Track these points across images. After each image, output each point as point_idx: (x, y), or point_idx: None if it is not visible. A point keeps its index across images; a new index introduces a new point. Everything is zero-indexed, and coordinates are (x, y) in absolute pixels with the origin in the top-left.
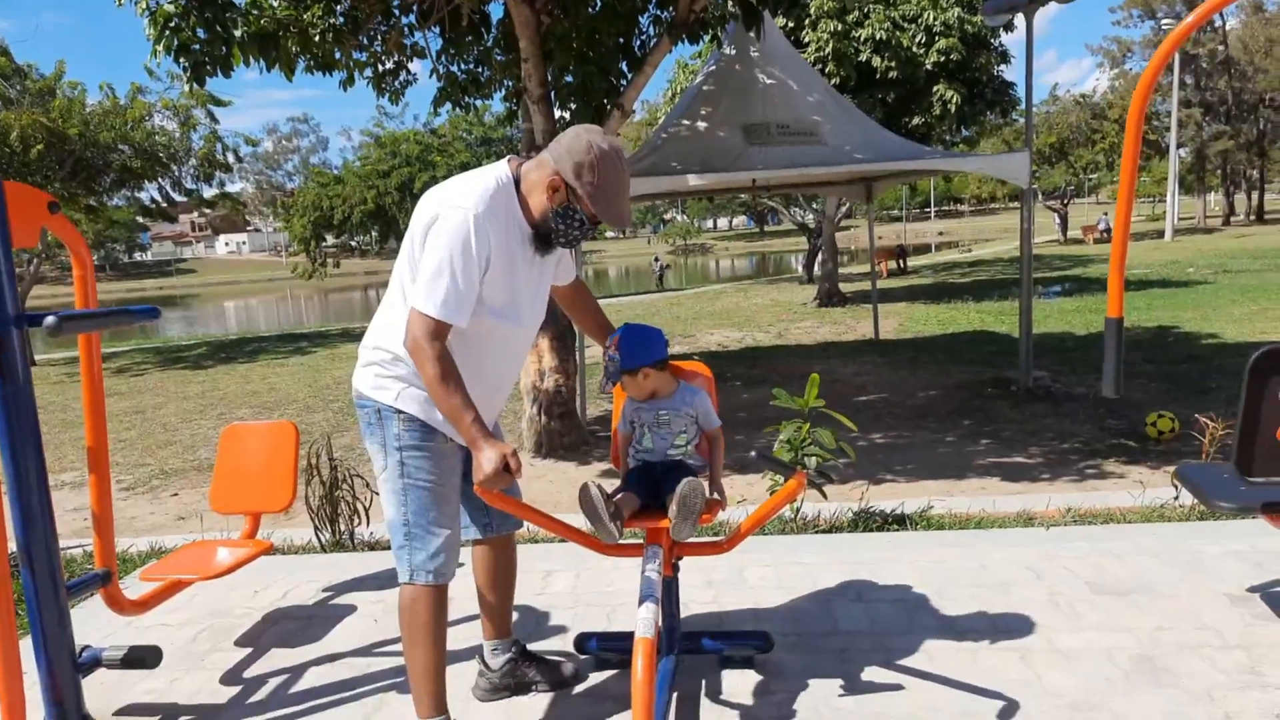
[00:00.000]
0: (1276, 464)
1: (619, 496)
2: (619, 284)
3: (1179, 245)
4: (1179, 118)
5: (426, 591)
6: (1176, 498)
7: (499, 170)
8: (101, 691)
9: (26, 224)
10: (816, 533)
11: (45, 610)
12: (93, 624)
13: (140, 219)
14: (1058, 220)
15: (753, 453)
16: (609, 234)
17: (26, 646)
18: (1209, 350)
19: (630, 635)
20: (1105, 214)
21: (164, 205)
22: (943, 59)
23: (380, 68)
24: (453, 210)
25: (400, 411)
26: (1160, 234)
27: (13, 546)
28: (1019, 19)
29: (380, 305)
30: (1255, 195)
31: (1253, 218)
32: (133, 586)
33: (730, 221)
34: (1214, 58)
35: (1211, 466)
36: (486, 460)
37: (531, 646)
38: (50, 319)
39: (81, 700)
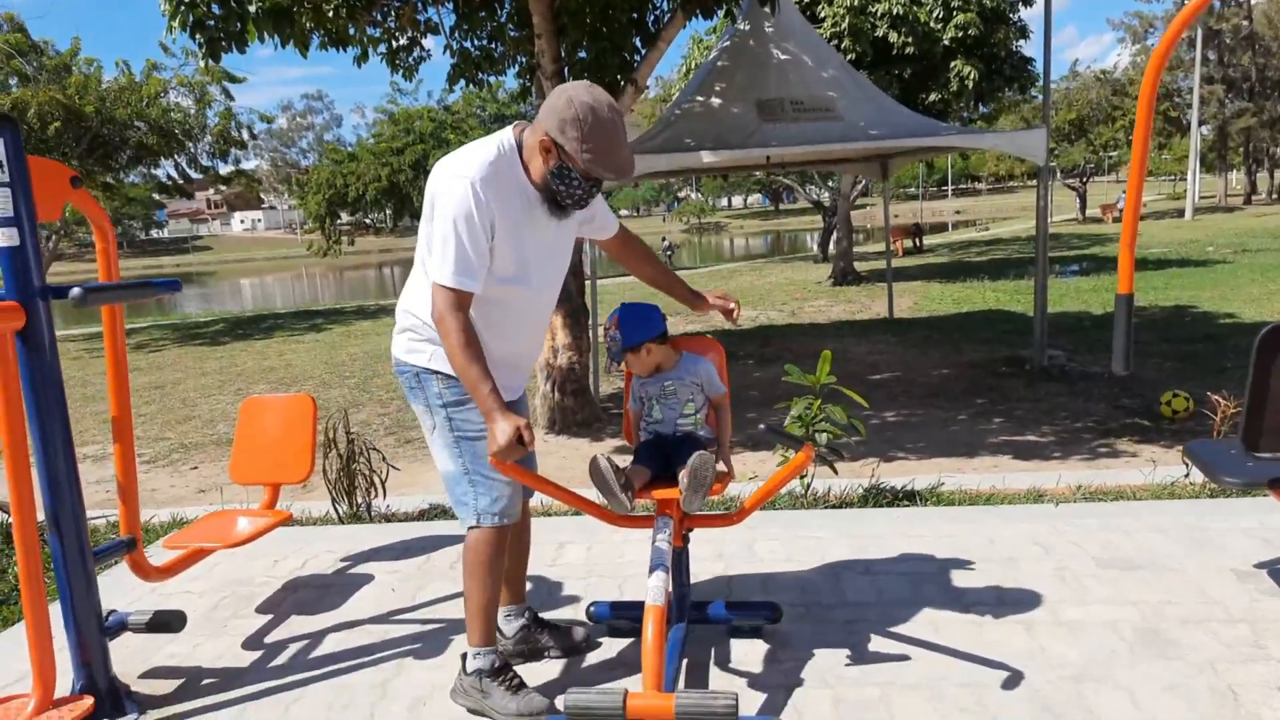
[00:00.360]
0: None
1: (629, 468)
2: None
3: (1199, 224)
4: (1201, 94)
5: (491, 532)
6: (1187, 475)
7: (503, 137)
8: (127, 655)
9: (50, 199)
10: (827, 508)
11: (73, 575)
12: (117, 591)
13: (156, 196)
14: (1078, 199)
15: (762, 426)
16: (623, 211)
17: (55, 612)
18: (1226, 330)
19: (641, 604)
20: (1124, 193)
21: (180, 182)
22: (960, 34)
23: (394, 44)
24: (455, 180)
25: (436, 372)
26: (1180, 213)
27: (40, 515)
28: None
29: (411, 273)
30: (1278, 174)
31: (1275, 196)
32: (156, 555)
33: (745, 199)
34: (1238, 33)
35: (1220, 443)
36: (500, 432)
37: (544, 615)
38: (76, 290)
39: (109, 663)
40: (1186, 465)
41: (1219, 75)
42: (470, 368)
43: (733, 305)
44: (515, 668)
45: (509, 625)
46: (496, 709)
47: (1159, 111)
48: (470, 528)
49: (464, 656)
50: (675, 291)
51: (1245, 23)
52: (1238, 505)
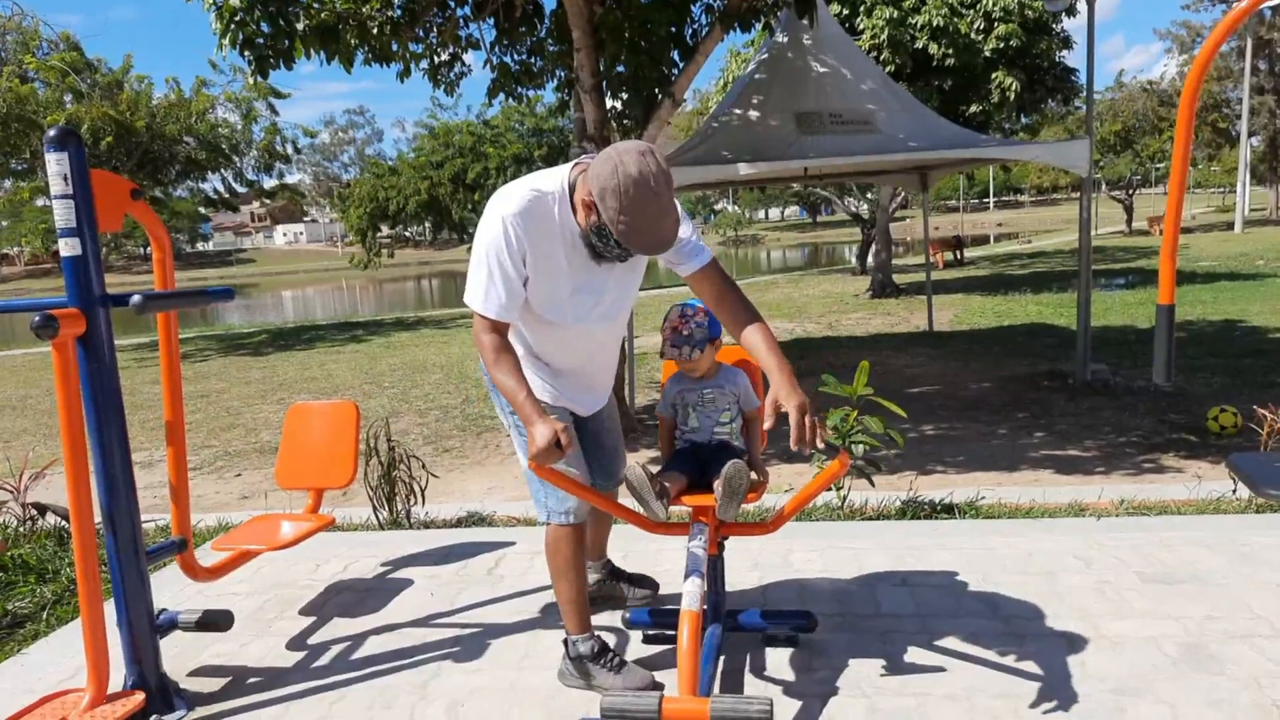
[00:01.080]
0: None
1: (664, 475)
2: (667, 275)
3: (1249, 237)
4: (1251, 104)
5: (565, 531)
6: (1235, 490)
7: (557, 175)
8: (177, 653)
9: (111, 210)
10: (864, 520)
11: (127, 574)
12: (165, 591)
13: (203, 209)
14: (1124, 211)
15: None
16: None
17: (109, 611)
18: (1276, 344)
19: (677, 610)
20: None
21: (226, 196)
22: (1002, 45)
23: (436, 59)
24: (491, 214)
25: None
26: (1230, 225)
27: (97, 516)
28: (1081, 3)
29: None
30: None
31: None
32: (204, 556)
33: (782, 212)
34: None
35: (1265, 455)
36: (539, 435)
37: None
38: (135, 298)
39: (159, 660)
40: (1233, 480)
41: (1270, 85)
42: (505, 379)
43: (807, 433)
44: (553, 669)
45: (590, 575)
46: (603, 686)
47: (1207, 122)
48: (544, 524)
49: (565, 643)
50: (768, 366)
51: None
52: None
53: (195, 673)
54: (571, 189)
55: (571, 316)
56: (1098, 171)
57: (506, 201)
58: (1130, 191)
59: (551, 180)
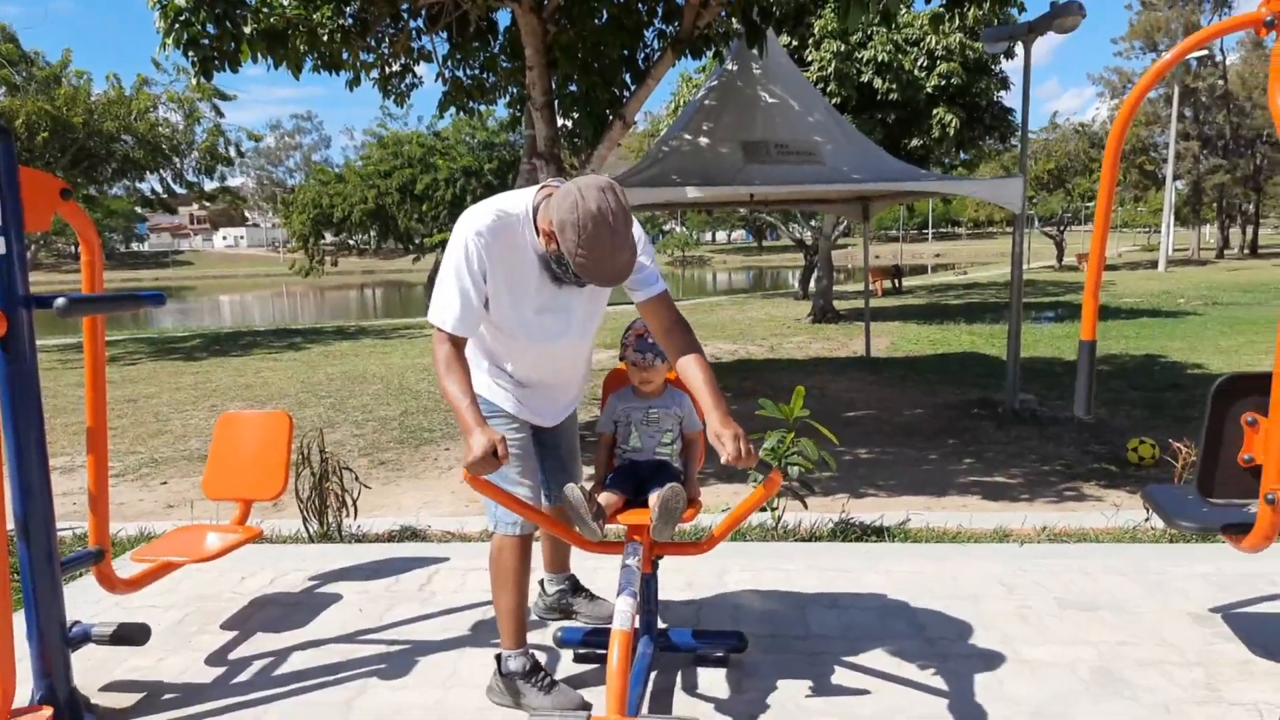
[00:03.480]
0: (1237, 487)
1: (602, 494)
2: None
3: (1172, 276)
4: (1177, 150)
5: (510, 541)
6: (1148, 520)
7: (522, 198)
8: (89, 667)
9: (39, 209)
10: (797, 541)
11: (40, 584)
12: (81, 603)
13: (139, 210)
14: (1056, 247)
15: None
16: None
17: (18, 621)
18: (1193, 380)
19: (609, 629)
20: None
21: (164, 197)
22: (943, 83)
23: (387, 69)
24: (458, 232)
25: (478, 394)
26: (1154, 264)
27: (10, 523)
28: (1019, 46)
29: None
30: (1249, 230)
31: (1246, 252)
32: (123, 567)
33: (729, 235)
34: (1213, 92)
35: (1177, 488)
36: (476, 444)
37: None
38: (60, 300)
39: (70, 674)
40: (1148, 510)
41: (1194, 132)
42: (452, 388)
43: (743, 462)
44: (481, 688)
45: (551, 585)
46: (532, 706)
47: (1135, 165)
48: (490, 533)
49: (498, 658)
50: (705, 402)
51: (1220, 82)
52: (1196, 551)
53: (108, 688)
54: (535, 211)
55: (538, 335)
56: (1031, 208)
57: (473, 220)
58: (1061, 228)
59: (518, 202)
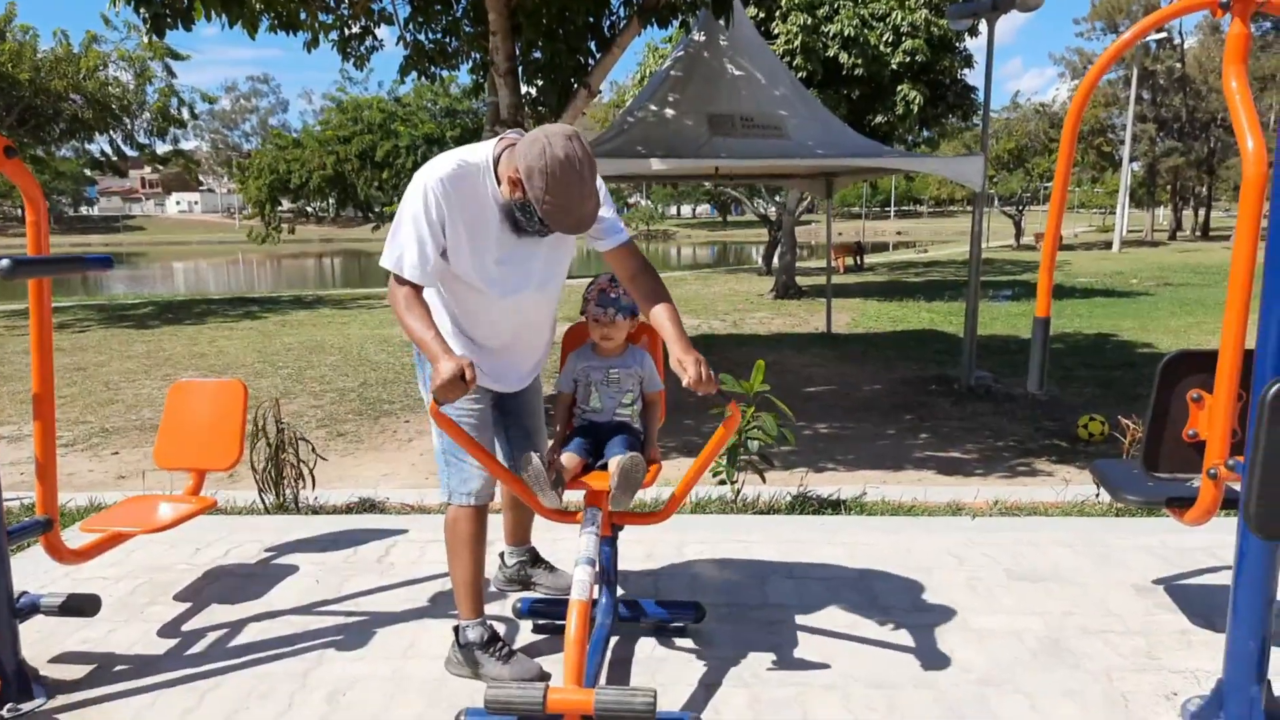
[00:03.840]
0: (1181, 461)
1: (562, 456)
2: (582, 266)
3: (1125, 257)
4: (1134, 132)
5: (465, 511)
6: (1097, 495)
7: (482, 149)
8: (37, 639)
9: None
10: (756, 514)
11: None
12: (30, 573)
13: (89, 172)
14: (1015, 226)
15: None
16: None
17: None
18: (1144, 359)
19: (567, 600)
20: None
21: (114, 159)
22: (908, 59)
23: (346, 31)
24: (416, 180)
25: (423, 359)
26: (1108, 245)
27: None
28: (982, 25)
29: None
30: (1202, 212)
31: (1198, 234)
32: (72, 538)
33: (694, 209)
34: (1170, 75)
35: (1124, 463)
36: (444, 368)
37: None
38: (4, 262)
39: (18, 645)
40: (1097, 485)
41: (1152, 114)
42: (413, 323)
43: (704, 386)
44: (439, 661)
45: (511, 557)
46: (490, 676)
47: (1093, 146)
48: (445, 504)
49: (456, 629)
50: (669, 335)
51: (1178, 65)
52: (1142, 524)
53: (57, 659)
54: (496, 162)
55: (499, 287)
56: (991, 187)
57: (432, 170)
58: (1020, 208)
59: (477, 153)
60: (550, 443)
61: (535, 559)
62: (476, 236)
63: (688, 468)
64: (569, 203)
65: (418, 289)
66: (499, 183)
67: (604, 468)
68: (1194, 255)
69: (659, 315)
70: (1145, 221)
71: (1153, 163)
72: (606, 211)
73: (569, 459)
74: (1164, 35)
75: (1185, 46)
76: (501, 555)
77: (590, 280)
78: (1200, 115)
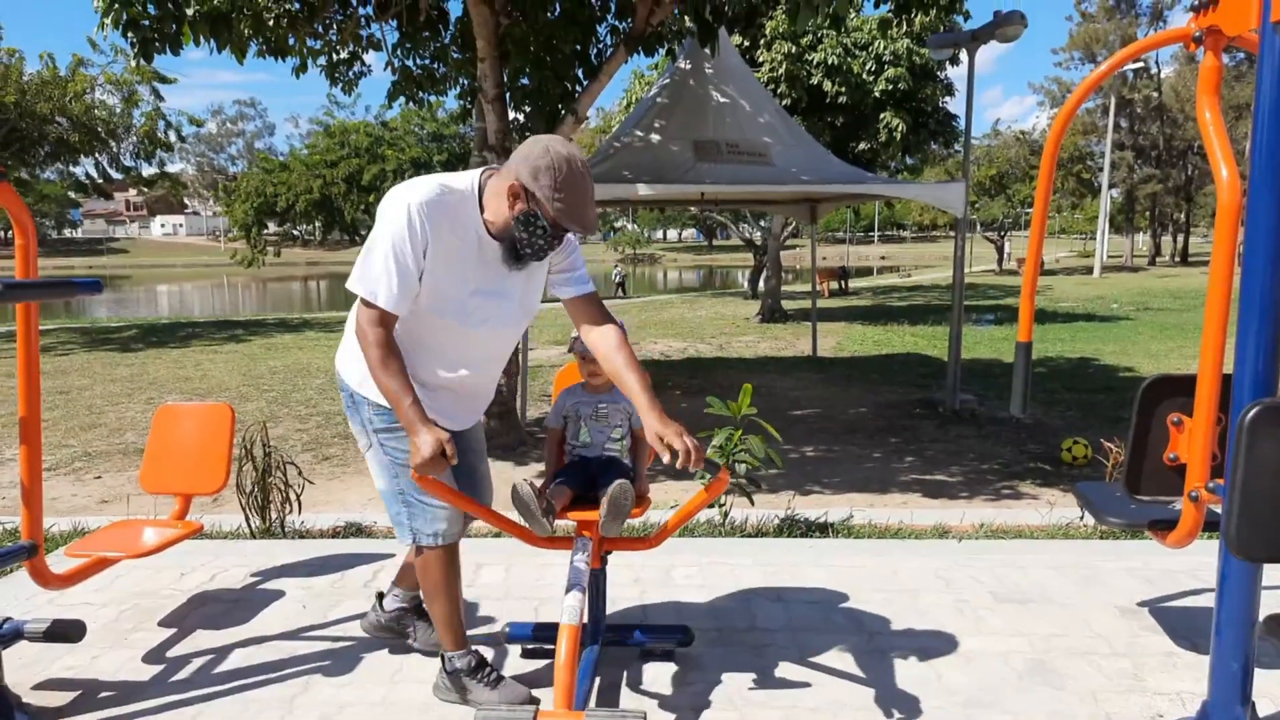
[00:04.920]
0: (1163, 484)
1: (551, 489)
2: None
3: (1106, 282)
4: (1112, 159)
5: (435, 553)
6: (1081, 518)
7: (465, 177)
8: (21, 665)
9: None
10: (743, 537)
11: None
12: (14, 600)
13: (73, 194)
14: (997, 251)
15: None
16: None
17: None
18: (1125, 382)
19: (556, 625)
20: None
21: (100, 181)
22: (890, 87)
23: (334, 57)
24: (396, 202)
25: (367, 397)
26: (1089, 270)
27: None
28: (963, 54)
29: None
30: (1180, 238)
31: (1177, 259)
32: (57, 563)
33: (680, 234)
34: (1148, 103)
35: (1106, 486)
36: (425, 444)
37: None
38: None
39: (1, 672)
40: (1081, 508)
41: (1130, 142)
42: (389, 381)
43: (679, 452)
44: (429, 678)
45: (392, 603)
46: (479, 701)
47: (1073, 173)
48: (410, 544)
49: (442, 658)
50: (641, 404)
51: (1155, 94)
52: (1126, 547)
53: (41, 686)
54: (481, 190)
55: (470, 319)
56: (973, 213)
57: (414, 191)
58: (1002, 233)
59: (461, 180)
60: (540, 477)
61: (419, 610)
62: (455, 266)
63: (675, 491)
64: (579, 199)
65: (390, 328)
66: (482, 211)
67: (594, 501)
68: (1173, 280)
69: (626, 379)
70: (1125, 247)
71: (1131, 189)
72: (577, 259)
73: (558, 491)
74: (1141, 65)
75: (1162, 76)
76: (380, 597)
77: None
78: (1177, 143)
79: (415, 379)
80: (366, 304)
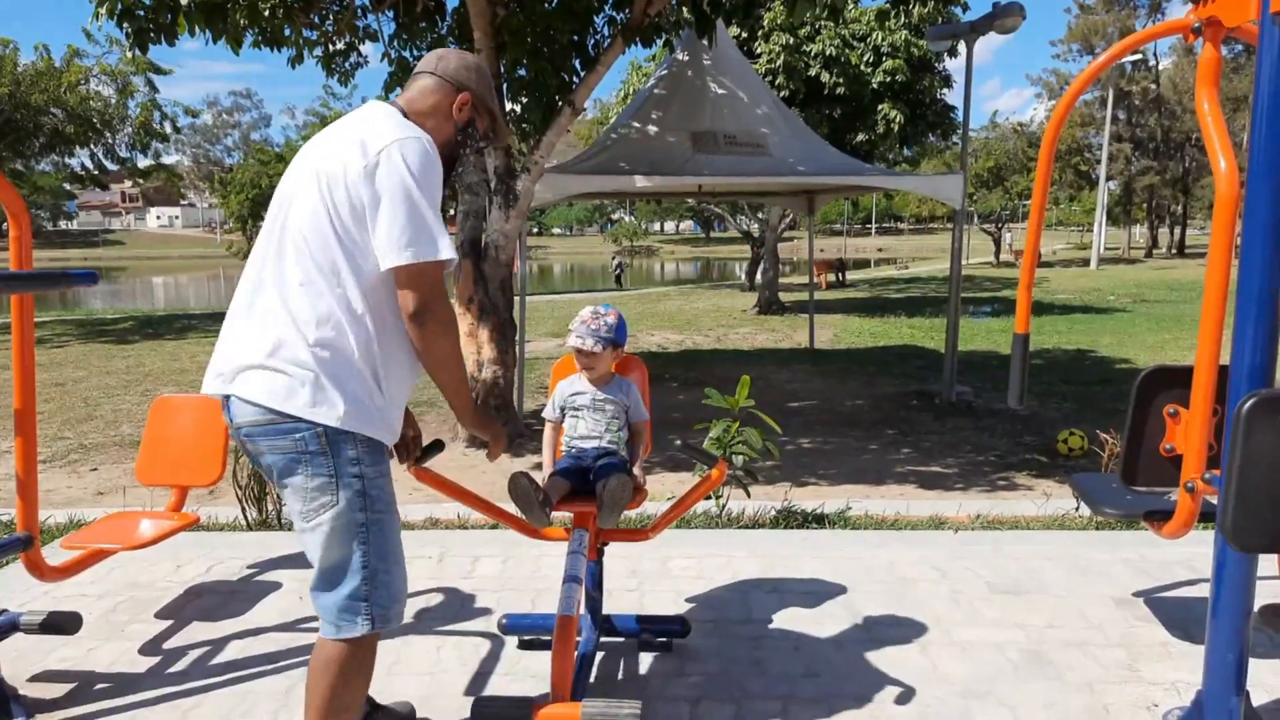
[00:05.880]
0: (1158, 475)
1: (548, 482)
2: (565, 281)
3: (1103, 274)
4: (1110, 151)
5: (370, 640)
6: (1077, 509)
7: (394, 117)
8: (17, 657)
9: None
10: (740, 528)
11: None
12: (9, 592)
13: (68, 186)
14: (994, 243)
15: (679, 443)
16: (554, 230)
17: None
18: (1121, 374)
19: (553, 615)
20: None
21: (95, 173)
22: (888, 79)
23: (331, 47)
24: (409, 141)
25: (352, 433)
26: (1086, 262)
27: None
28: (961, 46)
29: (283, 296)
30: (1177, 230)
31: (1174, 251)
32: (53, 555)
33: (677, 225)
34: (1146, 95)
35: (1102, 476)
36: (503, 434)
37: (454, 628)
38: None
39: None
40: (1076, 499)
41: (1127, 134)
42: (463, 370)
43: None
44: (428, 677)
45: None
46: None
47: (1070, 165)
48: (348, 638)
49: None
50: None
51: (1153, 86)
52: (1121, 537)
53: (37, 678)
54: (407, 117)
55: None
56: (970, 205)
57: (414, 130)
58: (1000, 225)
59: (401, 124)
60: (536, 469)
61: (374, 705)
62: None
63: (671, 482)
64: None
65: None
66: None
67: (591, 493)
68: (1170, 272)
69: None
70: (1122, 239)
71: (1129, 181)
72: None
73: (555, 484)
74: (1139, 57)
75: (1160, 68)
76: None
77: (578, 313)
78: (1175, 135)
79: (382, 392)
80: (437, 264)
